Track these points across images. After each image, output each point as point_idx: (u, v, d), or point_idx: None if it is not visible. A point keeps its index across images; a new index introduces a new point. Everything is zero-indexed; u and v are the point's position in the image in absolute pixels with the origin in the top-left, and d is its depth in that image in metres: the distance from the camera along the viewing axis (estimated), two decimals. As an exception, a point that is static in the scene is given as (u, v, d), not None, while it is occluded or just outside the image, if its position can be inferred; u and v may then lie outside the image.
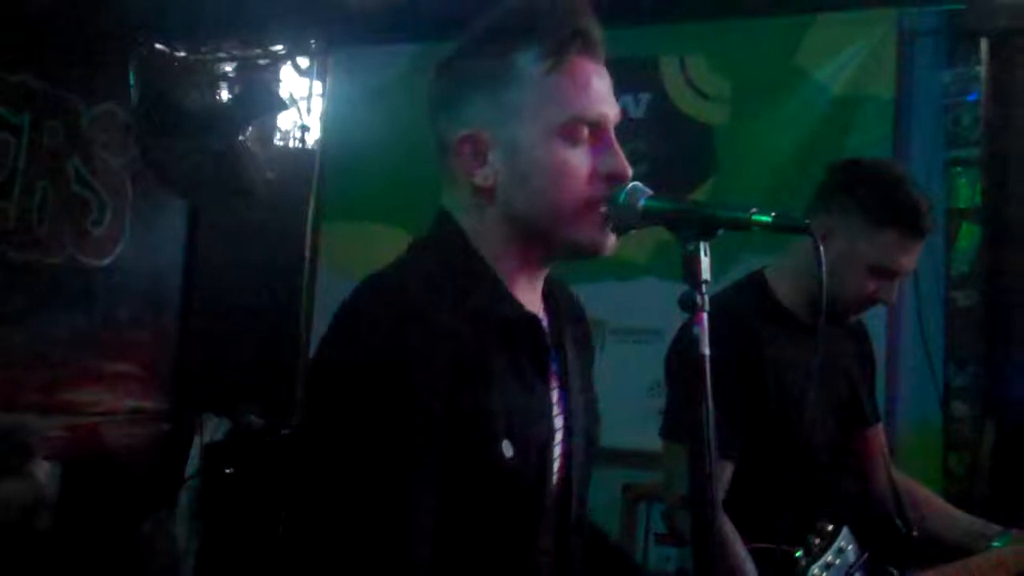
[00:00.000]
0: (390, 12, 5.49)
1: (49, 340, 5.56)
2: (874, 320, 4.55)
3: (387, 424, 1.47)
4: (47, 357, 5.54)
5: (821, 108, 4.79)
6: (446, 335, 1.51)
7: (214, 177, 6.04)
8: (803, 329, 2.64)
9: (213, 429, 5.60)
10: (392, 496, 1.46)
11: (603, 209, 1.60)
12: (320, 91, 6.04)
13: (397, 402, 1.47)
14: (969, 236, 4.56)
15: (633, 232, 1.64)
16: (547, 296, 1.75)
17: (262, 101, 6.00)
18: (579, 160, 1.60)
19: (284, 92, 6.02)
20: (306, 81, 6.06)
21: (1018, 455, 4.34)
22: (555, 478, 1.64)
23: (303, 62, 6.06)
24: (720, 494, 2.43)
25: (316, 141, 6.07)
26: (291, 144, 6.22)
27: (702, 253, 1.51)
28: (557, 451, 1.65)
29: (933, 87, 4.65)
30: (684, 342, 2.09)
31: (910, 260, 2.60)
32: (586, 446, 1.74)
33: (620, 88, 5.40)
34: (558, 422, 1.67)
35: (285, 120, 6.19)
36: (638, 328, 4.87)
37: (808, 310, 2.66)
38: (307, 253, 5.85)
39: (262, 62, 6.09)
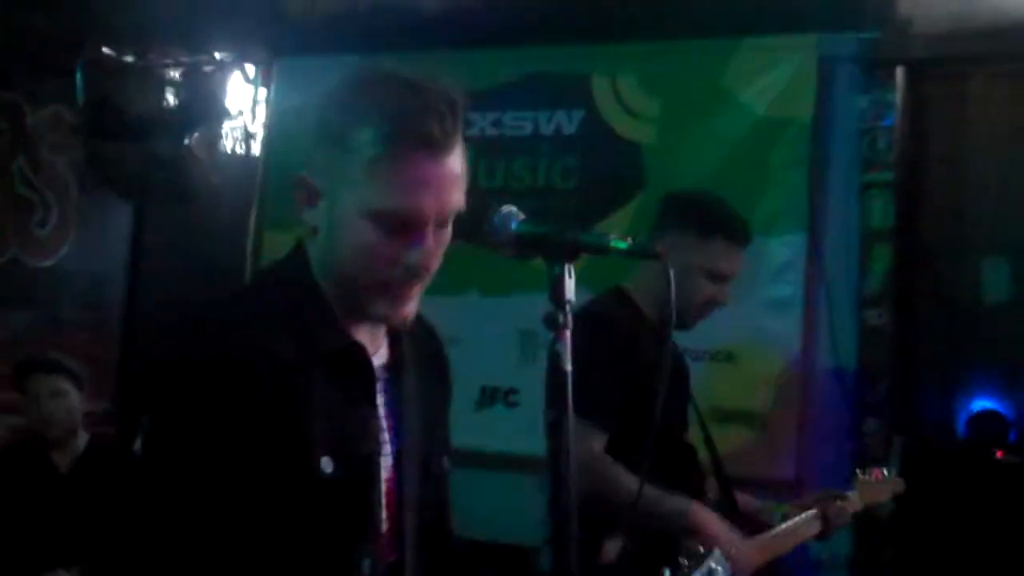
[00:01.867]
0: (333, 23, 5.57)
1: (-7, 339, 5.58)
2: (790, 338, 4.71)
3: (189, 434, 1.60)
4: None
5: (745, 128, 4.93)
6: (265, 360, 1.61)
7: (160, 181, 6.08)
8: (660, 338, 2.95)
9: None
10: (186, 507, 1.59)
11: (398, 285, 1.68)
12: (265, 99, 6.10)
13: (205, 415, 1.59)
14: (882, 257, 4.70)
15: None
16: (391, 330, 1.82)
17: (208, 108, 6.05)
18: (383, 247, 1.64)
19: (230, 99, 6.07)
20: (251, 89, 6.13)
21: (926, 470, 4.45)
22: (384, 488, 1.75)
23: (249, 70, 6.13)
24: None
25: (260, 149, 6.14)
26: (237, 151, 6.27)
27: (567, 275, 1.60)
28: (386, 463, 1.76)
29: (850, 111, 4.82)
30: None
31: (735, 264, 3.09)
32: (424, 468, 1.84)
33: (553, 104, 5.47)
34: (387, 444, 1.77)
35: (231, 127, 6.24)
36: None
37: (662, 320, 3.03)
38: (249, 259, 5.92)
39: (208, 69, 6.14)
